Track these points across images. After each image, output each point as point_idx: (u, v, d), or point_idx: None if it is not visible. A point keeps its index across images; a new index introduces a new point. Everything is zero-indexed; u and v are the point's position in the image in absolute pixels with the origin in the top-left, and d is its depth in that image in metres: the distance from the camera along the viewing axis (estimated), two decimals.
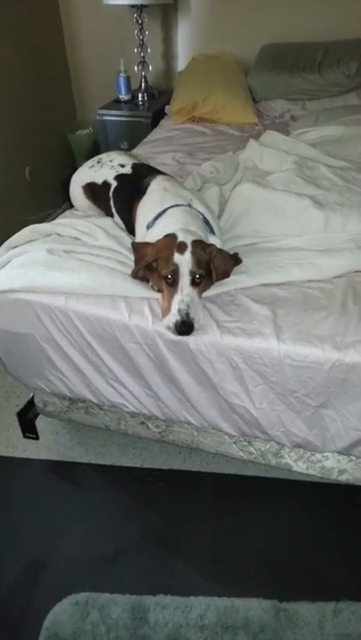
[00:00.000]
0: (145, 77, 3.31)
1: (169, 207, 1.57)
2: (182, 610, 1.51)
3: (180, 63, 3.48)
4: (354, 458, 1.58)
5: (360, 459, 1.57)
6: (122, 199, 1.79)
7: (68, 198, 2.05)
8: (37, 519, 1.81)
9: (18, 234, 1.74)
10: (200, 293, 1.44)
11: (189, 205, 1.60)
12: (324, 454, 1.61)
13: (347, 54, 2.88)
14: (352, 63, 2.82)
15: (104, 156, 1.97)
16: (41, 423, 2.02)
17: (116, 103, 3.35)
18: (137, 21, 3.11)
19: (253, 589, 1.55)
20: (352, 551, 1.68)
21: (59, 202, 3.40)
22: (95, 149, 3.46)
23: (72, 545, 1.72)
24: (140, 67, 3.27)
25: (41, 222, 1.82)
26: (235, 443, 1.70)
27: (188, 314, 1.35)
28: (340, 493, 1.82)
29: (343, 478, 1.64)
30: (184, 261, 1.38)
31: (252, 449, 1.69)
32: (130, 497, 1.89)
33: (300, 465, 1.67)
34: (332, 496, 1.82)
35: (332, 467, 1.63)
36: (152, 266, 1.45)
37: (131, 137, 3.14)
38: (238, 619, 1.48)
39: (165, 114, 3.21)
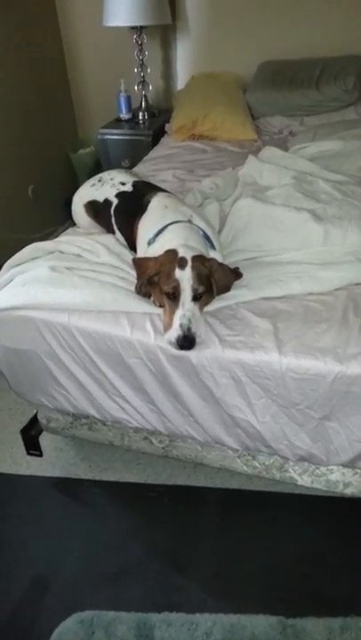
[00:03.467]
0: (145, 96, 3.36)
1: (170, 223, 1.58)
2: (188, 627, 1.49)
3: (180, 82, 3.53)
4: (359, 471, 1.57)
5: None
6: (123, 216, 1.81)
7: (71, 216, 2.08)
8: (41, 536, 1.80)
9: (21, 252, 1.76)
10: (201, 308, 1.45)
11: (190, 221, 1.62)
12: (329, 467, 1.60)
13: (344, 70, 2.91)
14: (349, 78, 2.86)
15: (105, 175, 1.99)
16: (44, 440, 2.02)
17: (117, 122, 3.40)
18: (137, 42, 3.16)
19: (260, 605, 1.54)
20: (359, 565, 1.66)
21: (61, 220, 3.43)
22: (97, 168, 3.49)
23: (76, 562, 1.71)
24: (141, 86, 3.31)
25: (43, 240, 1.84)
26: (239, 457, 1.69)
27: (189, 328, 1.36)
28: (346, 507, 1.80)
29: (348, 491, 1.63)
30: (185, 277, 1.40)
31: (256, 463, 1.68)
32: (134, 513, 1.88)
33: (304, 479, 1.66)
34: (338, 510, 1.81)
35: (338, 480, 1.62)
36: (153, 281, 1.46)
37: (132, 155, 3.17)
38: (245, 636, 1.47)
39: (166, 132, 3.24)
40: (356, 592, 1.59)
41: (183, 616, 1.52)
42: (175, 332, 1.37)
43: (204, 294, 1.43)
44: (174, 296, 1.40)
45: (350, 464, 1.49)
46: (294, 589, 1.60)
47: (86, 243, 1.78)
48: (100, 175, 2.01)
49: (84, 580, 1.66)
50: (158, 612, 1.53)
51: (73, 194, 2.05)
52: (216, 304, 1.51)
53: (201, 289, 1.41)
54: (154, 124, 3.33)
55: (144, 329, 1.46)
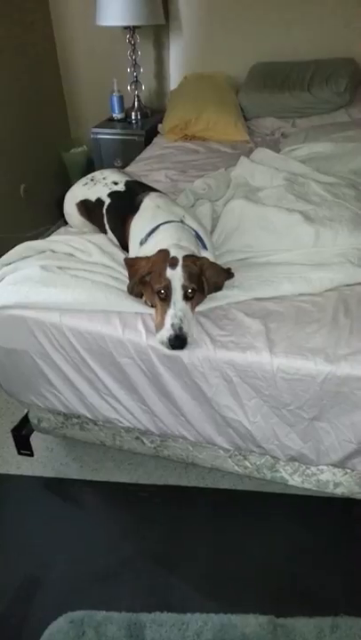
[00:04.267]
0: (138, 96, 3.36)
1: (162, 223, 1.59)
2: (179, 627, 1.49)
3: (173, 82, 3.54)
4: (349, 470, 1.58)
5: (355, 471, 1.58)
6: (115, 216, 1.81)
7: (63, 215, 2.07)
8: (32, 536, 1.80)
9: (12, 250, 1.76)
10: (193, 308, 1.45)
11: (182, 222, 1.62)
12: (319, 467, 1.61)
13: (336, 72, 2.93)
14: (341, 81, 2.87)
15: (97, 174, 1.99)
16: (35, 440, 2.01)
17: (110, 122, 3.40)
18: (130, 42, 3.16)
19: (250, 605, 1.54)
20: (349, 565, 1.68)
21: (53, 219, 3.42)
22: (89, 167, 3.49)
23: (67, 562, 1.71)
24: (134, 86, 3.31)
25: (35, 239, 1.84)
26: (230, 457, 1.70)
27: (181, 328, 1.36)
28: (336, 507, 1.82)
29: (339, 491, 1.64)
30: (176, 276, 1.40)
31: (247, 463, 1.69)
32: (125, 513, 1.88)
33: (295, 479, 1.67)
34: (328, 509, 1.82)
35: (328, 480, 1.63)
36: (145, 280, 1.47)
37: (124, 155, 3.18)
38: (235, 635, 1.47)
39: (158, 132, 3.25)
40: (347, 591, 1.60)
41: (174, 616, 1.52)
42: (167, 331, 1.37)
43: (195, 293, 1.44)
44: (166, 295, 1.41)
45: (340, 464, 1.50)
46: (285, 589, 1.61)
47: (78, 242, 1.78)
48: (93, 174, 2.01)
49: (75, 579, 1.65)
50: (149, 612, 1.53)
51: (65, 193, 2.05)
52: (208, 304, 1.51)
53: (192, 287, 1.41)
54: (146, 124, 3.33)
55: (136, 329, 1.46)
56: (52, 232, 2.07)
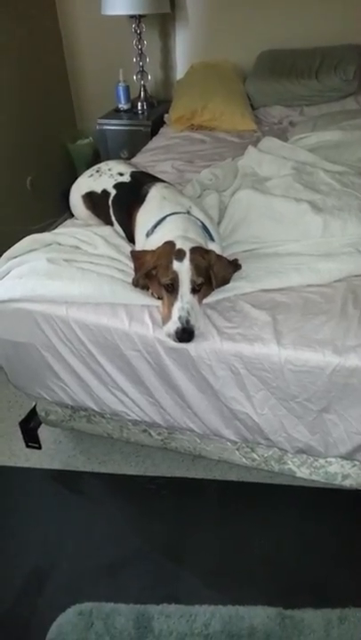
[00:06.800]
0: (144, 86, 3.34)
1: (168, 215, 1.57)
2: (187, 619, 1.50)
3: (179, 72, 3.50)
4: (357, 462, 1.57)
5: None
6: (121, 207, 1.80)
7: (69, 208, 2.06)
8: (40, 529, 1.81)
9: (18, 243, 1.75)
10: (200, 300, 1.44)
11: (188, 213, 1.60)
12: (328, 459, 1.60)
13: (344, 60, 2.88)
14: (349, 68, 2.83)
15: (103, 165, 1.98)
16: (43, 432, 2.02)
17: (116, 112, 3.37)
18: (135, 31, 3.13)
19: (258, 597, 1.54)
20: (357, 557, 1.67)
21: (59, 211, 3.41)
22: (95, 158, 3.48)
23: (75, 554, 1.72)
24: (139, 76, 3.29)
25: (41, 232, 1.83)
26: (237, 449, 1.69)
27: (188, 321, 1.35)
28: (345, 498, 1.81)
29: (347, 483, 1.64)
30: (183, 269, 1.39)
31: (254, 455, 1.68)
32: (133, 505, 1.88)
33: (303, 471, 1.66)
34: (337, 501, 1.81)
35: (336, 472, 1.62)
36: (151, 273, 1.45)
37: (131, 146, 3.16)
38: (243, 627, 1.47)
39: (165, 122, 3.23)
40: (355, 583, 1.59)
41: (182, 607, 1.53)
42: (174, 324, 1.36)
43: (202, 286, 1.42)
44: (173, 288, 1.40)
45: (349, 456, 1.49)
46: (293, 581, 1.61)
47: (84, 234, 1.77)
48: (98, 166, 1.99)
49: (83, 571, 1.66)
50: (157, 604, 1.54)
51: (71, 185, 2.04)
52: (215, 296, 1.50)
53: (199, 281, 1.40)
54: (153, 114, 3.31)
55: (142, 321, 1.45)
56: (59, 225, 2.06)
